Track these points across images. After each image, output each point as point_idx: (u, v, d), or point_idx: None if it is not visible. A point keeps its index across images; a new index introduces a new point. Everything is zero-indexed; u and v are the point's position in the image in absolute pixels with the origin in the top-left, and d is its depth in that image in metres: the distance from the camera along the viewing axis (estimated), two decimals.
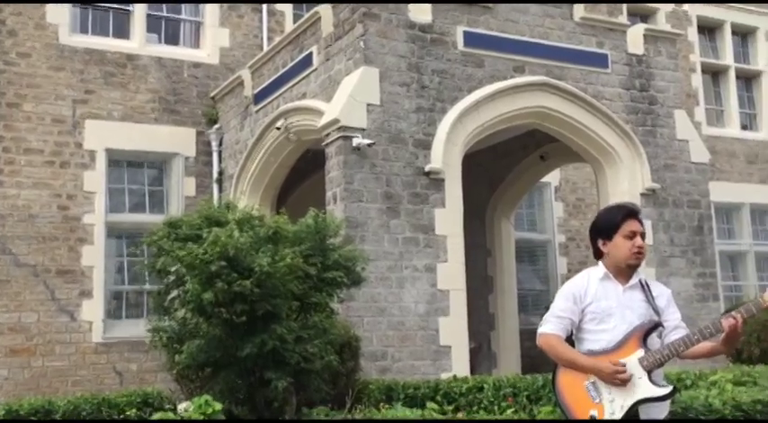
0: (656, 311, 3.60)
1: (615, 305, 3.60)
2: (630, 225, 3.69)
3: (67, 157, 12.32)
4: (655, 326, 3.57)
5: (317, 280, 6.76)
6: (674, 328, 3.65)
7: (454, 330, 9.69)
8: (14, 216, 11.88)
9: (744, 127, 17.54)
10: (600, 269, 3.72)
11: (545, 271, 15.62)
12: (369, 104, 9.67)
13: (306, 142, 11.30)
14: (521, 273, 14.60)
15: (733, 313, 3.43)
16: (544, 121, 10.85)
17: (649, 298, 3.63)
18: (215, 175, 13.18)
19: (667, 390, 3.45)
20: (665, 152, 11.31)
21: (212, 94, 13.50)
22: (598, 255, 3.79)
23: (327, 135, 9.79)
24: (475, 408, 6.66)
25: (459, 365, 9.48)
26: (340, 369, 8.15)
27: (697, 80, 17.06)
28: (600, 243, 3.74)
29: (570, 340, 3.69)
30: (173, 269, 6.61)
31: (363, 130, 9.60)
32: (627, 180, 10.93)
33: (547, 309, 3.84)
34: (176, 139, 13.12)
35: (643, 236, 3.74)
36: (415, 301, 9.62)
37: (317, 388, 6.60)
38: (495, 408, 6.48)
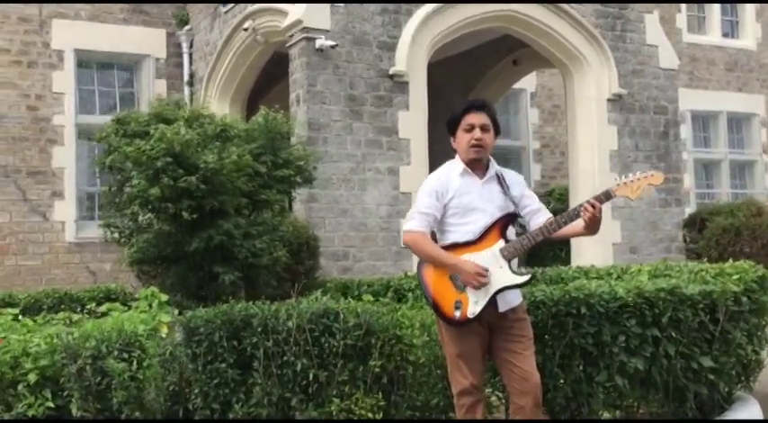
0: (513, 202, 3.68)
1: (476, 199, 3.68)
2: (469, 118, 3.68)
3: (35, 56, 12.19)
4: (513, 217, 3.67)
5: (268, 178, 6.86)
6: (537, 210, 3.74)
7: None
8: None
9: (725, 35, 17.34)
10: (459, 164, 3.75)
11: None
12: (333, 5, 9.57)
13: (273, 44, 11.19)
14: None
15: (586, 205, 3.50)
16: (512, 24, 10.74)
17: (505, 189, 3.70)
18: (186, 77, 13.07)
19: (526, 277, 3.60)
20: (634, 57, 11.25)
21: None
22: (455, 151, 3.82)
23: (291, 36, 9.71)
24: (421, 303, 6.83)
25: None
26: (298, 268, 8.33)
27: None
28: (451, 140, 3.77)
29: (433, 233, 3.76)
30: (123, 166, 6.69)
31: (327, 31, 9.52)
32: (594, 85, 10.91)
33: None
34: (146, 41, 12.96)
35: (484, 128, 3.71)
36: (377, 203, 9.76)
37: (266, 282, 6.78)
38: None
